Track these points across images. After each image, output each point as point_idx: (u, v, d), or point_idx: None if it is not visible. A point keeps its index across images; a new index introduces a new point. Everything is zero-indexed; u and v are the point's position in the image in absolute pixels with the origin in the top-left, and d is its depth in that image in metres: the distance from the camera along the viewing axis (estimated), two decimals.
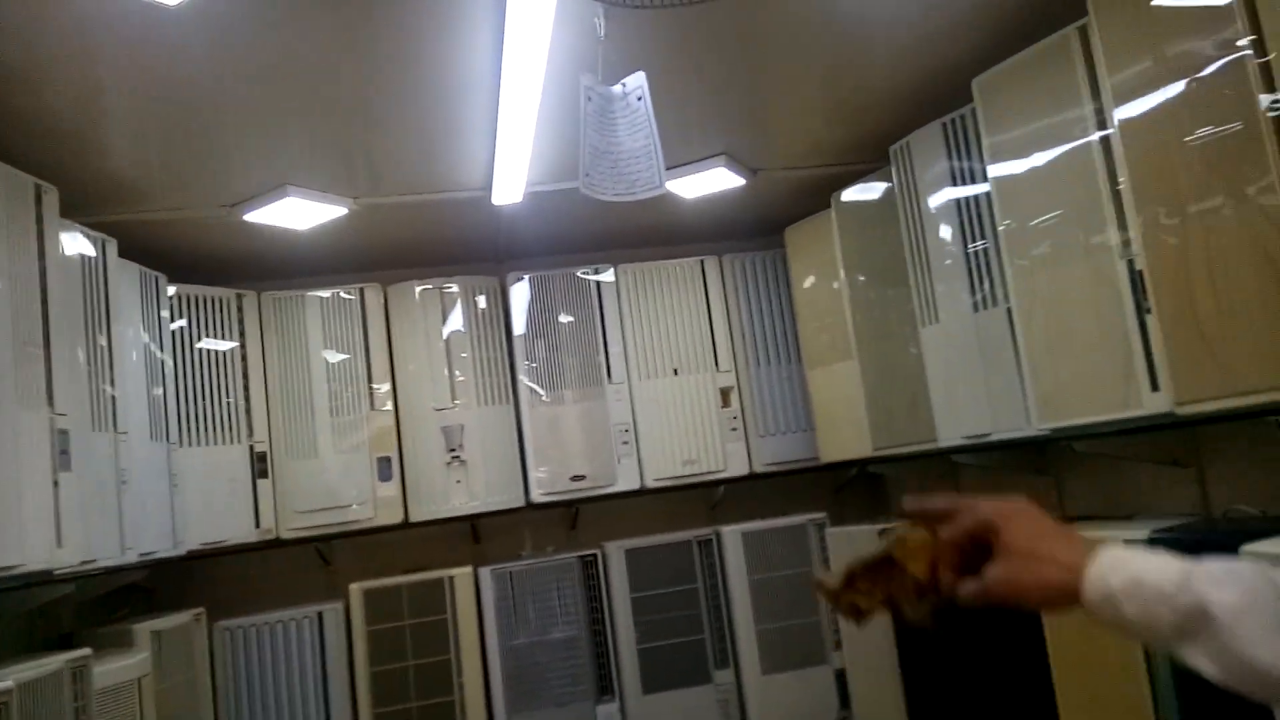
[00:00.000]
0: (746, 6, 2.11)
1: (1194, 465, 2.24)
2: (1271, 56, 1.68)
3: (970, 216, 2.58)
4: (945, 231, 2.69)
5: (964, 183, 2.59)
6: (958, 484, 3.26)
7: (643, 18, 2.02)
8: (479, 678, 3.26)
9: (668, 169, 3.09)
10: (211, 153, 2.56)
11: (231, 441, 3.29)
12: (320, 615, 3.22)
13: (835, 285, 3.37)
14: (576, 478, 3.54)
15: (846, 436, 3.38)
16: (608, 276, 3.71)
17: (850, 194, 3.23)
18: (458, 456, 3.45)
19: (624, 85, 2.01)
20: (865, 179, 3.13)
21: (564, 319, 3.64)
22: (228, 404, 3.29)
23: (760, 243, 3.86)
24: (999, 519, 0.84)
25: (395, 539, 3.51)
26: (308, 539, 3.39)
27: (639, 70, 1.94)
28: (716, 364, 3.74)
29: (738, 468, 3.69)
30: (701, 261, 3.80)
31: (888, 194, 2.99)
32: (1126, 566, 0.79)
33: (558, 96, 2.31)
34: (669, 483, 3.62)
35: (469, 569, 3.32)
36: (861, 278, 3.22)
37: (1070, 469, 2.69)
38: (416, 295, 3.56)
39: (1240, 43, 1.74)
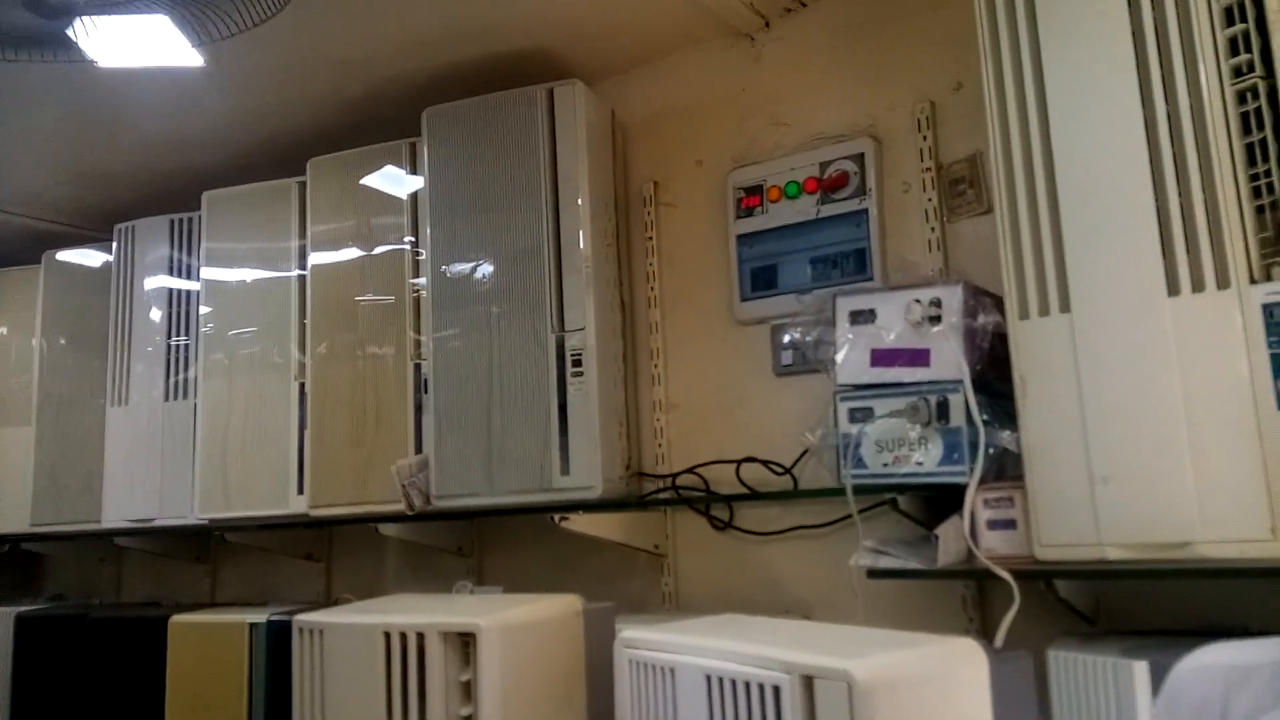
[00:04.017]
0: None
1: (324, 560, 2.68)
2: (422, 255, 2.26)
3: (179, 310, 2.74)
4: (154, 317, 2.79)
5: (180, 276, 2.75)
6: (120, 567, 3.24)
7: None
8: None
9: None
10: None
11: None
12: None
13: (30, 344, 3.15)
14: None
15: (3, 509, 3.10)
16: None
17: (66, 255, 3.10)
18: None
19: None
20: (86, 245, 3.06)
21: None
22: None
23: None
24: None
25: None
26: None
27: None
28: None
29: None
30: None
31: (105, 266, 2.97)
32: None
33: None
34: None
35: None
36: (61, 341, 3.09)
37: (227, 558, 2.93)
38: None
39: (406, 238, 2.30)
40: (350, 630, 1.30)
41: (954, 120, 1.77)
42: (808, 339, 1.56)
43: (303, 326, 2.45)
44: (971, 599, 1.63)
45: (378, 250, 2.33)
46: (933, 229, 1.75)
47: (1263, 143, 1.16)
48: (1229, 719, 0.56)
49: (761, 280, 1.95)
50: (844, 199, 1.85)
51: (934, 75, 1.80)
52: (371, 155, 2.35)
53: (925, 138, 1.78)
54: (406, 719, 1.24)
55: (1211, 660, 0.59)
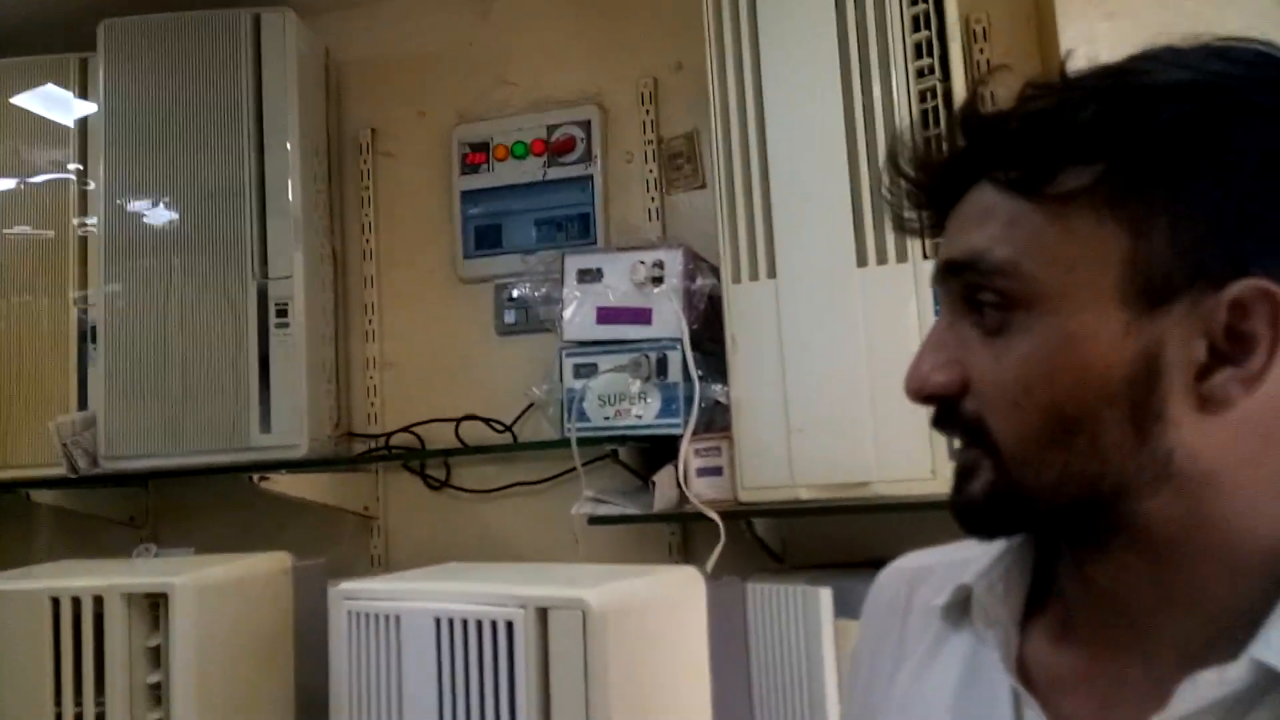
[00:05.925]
0: None
1: None
2: (90, 186, 1.98)
3: None
4: None
5: None
6: None
7: None
8: None
9: None
10: None
11: None
12: None
13: None
14: None
15: None
16: None
17: None
18: None
19: None
20: None
21: None
22: None
23: None
24: None
25: None
26: None
27: None
28: None
29: None
30: None
31: None
32: None
33: None
34: None
35: None
36: None
37: None
38: None
39: (70, 166, 2.00)
40: (7, 598, 1.11)
41: (674, 98, 1.86)
42: (536, 295, 1.57)
43: None
44: (677, 544, 1.73)
45: (34, 179, 2.01)
46: (653, 199, 1.83)
47: (938, 137, 1.34)
48: (912, 607, 0.66)
49: (486, 239, 1.93)
50: (571, 163, 1.88)
51: (657, 53, 1.87)
52: (32, 68, 2.02)
53: (648, 112, 1.86)
54: (80, 694, 1.09)
55: (902, 565, 0.70)
